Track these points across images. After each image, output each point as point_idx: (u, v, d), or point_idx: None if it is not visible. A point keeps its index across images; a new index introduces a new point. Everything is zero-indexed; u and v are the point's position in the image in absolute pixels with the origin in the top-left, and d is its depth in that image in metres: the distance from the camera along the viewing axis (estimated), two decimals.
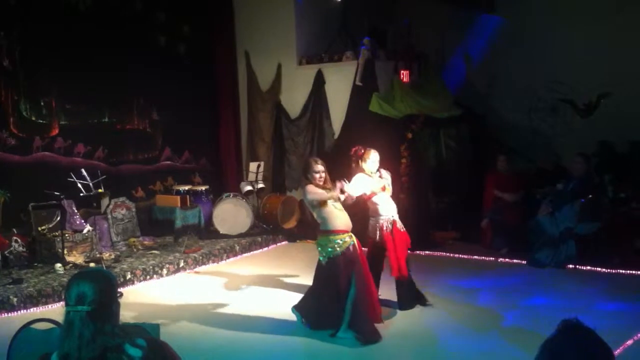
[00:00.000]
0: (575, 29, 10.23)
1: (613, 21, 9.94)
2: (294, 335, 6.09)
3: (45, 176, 9.04)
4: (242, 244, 9.80)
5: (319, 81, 11.29)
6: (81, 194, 8.81)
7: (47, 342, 3.64)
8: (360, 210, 6.98)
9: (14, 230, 8.40)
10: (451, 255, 9.25)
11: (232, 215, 10.14)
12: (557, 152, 10.49)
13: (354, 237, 6.12)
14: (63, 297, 7.10)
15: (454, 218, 10.35)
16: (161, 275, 8.39)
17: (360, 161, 6.72)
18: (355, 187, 6.47)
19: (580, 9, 10.21)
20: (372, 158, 6.71)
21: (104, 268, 7.46)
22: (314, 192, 6.07)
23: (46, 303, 7.11)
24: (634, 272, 7.94)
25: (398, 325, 6.38)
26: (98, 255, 8.47)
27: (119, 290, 2.57)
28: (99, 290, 2.42)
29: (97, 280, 2.47)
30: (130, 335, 2.41)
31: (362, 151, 6.74)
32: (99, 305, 2.39)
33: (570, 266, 8.29)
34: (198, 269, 8.86)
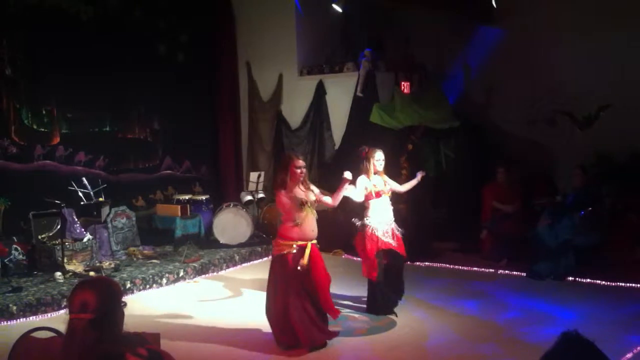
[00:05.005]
0: (574, 41, 10.26)
1: (613, 32, 9.96)
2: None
3: (46, 184, 9.06)
4: (241, 253, 9.79)
5: (320, 92, 11.34)
6: (82, 203, 8.86)
7: (46, 351, 3.64)
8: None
9: (14, 238, 8.42)
10: (450, 266, 9.24)
11: (232, 224, 10.14)
12: (555, 163, 10.50)
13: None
14: (64, 305, 7.10)
15: (453, 229, 10.35)
16: (161, 285, 8.38)
17: (365, 161, 6.84)
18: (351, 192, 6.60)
19: (579, 20, 10.24)
20: (377, 157, 6.84)
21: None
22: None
23: (45, 312, 7.11)
24: (633, 284, 7.93)
25: (397, 336, 6.37)
26: (98, 264, 8.48)
27: (123, 300, 2.56)
28: (102, 299, 2.42)
29: (101, 288, 2.48)
30: (132, 344, 2.41)
31: (367, 150, 6.89)
32: (102, 313, 2.40)
33: (570, 278, 8.28)
34: (198, 278, 8.85)
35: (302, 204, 5.93)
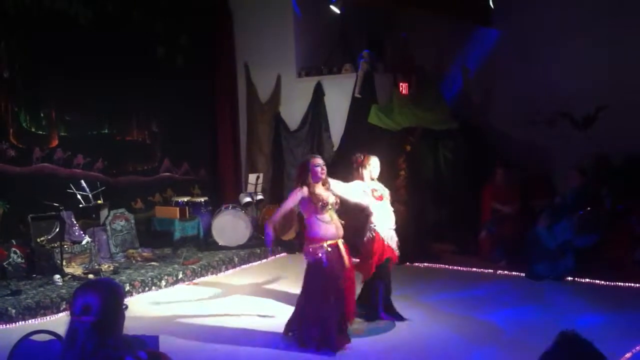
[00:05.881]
0: (571, 41, 10.27)
1: (610, 33, 9.98)
2: (292, 348, 6.07)
3: (45, 187, 9.05)
4: (240, 255, 9.79)
5: (318, 93, 11.33)
6: (80, 205, 8.86)
7: (46, 354, 3.64)
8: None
9: (13, 241, 8.40)
10: (449, 267, 9.25)
11: (231, 226, 10.14)
12: (555, 164, 10.50)
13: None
14: (63, 308, 7.06)
15: (452, 230, 10.35)
16: (160, 287, 8.37)
17: (360, 168, 6.72)
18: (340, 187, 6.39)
19: (577, 21, 10.26)
20: (373, 164, 6.72)
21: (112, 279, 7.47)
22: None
23: (44, 314, 7.09)
24: (632, 284, 7.95)
25: (394, 337, 6.37)
26: (97, 267, 8.47)
27: (124, 302, 2.55)
28: (105, 302, 2.41)
29: (104, 291, 2.46)
30: (132, 348, 2.41)
31: (362, 158, 6.77)
32: (104, 317, 2.39)
33: (569, 279, 8.30)
34: (197, 280, 8.85)
35: (323, 206, 5.91)
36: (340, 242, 6.05)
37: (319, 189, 5.99)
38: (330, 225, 5.98)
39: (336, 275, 5.96)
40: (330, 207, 5.99)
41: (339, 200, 6.12)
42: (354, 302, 6.37)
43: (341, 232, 6.06)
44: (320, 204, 5.91)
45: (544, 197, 9.29)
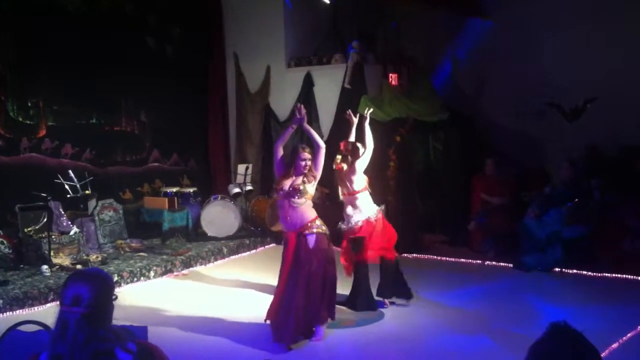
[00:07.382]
0: (563, 33, 10.28)
1: (602, 25, 10.00)
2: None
3: (33, 177, 8.99)
4: (230, 246, 9.78)
5: (308, 83, 11.31)
6: (68, 196, 8.81)
7: (33, 344, 3.62)
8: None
9: (0, 231, 8.34)
10: (438, 258, 9.28)
11: (220, 217, 10.11)
12: (545, 156, 10.53)
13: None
14: (50, 298, 7.00)
15: (441, 221, 10.38)
16: (148, 278, 8.35)
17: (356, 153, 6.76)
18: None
19: (569, 13, 10.27)
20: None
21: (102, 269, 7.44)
22: None
23: (32, 305, 7.05)
24: (619, 275, 8.00)
25: (385, 327, 6.40)
26: (85, 257, 8.43)
27: (114, 293, 2.53)
28: (96, 293, 2.38)
29: (95, 282, 2.43)
30: (122, 339, 2.38)
31: (351, 145, 6.89)
32: (95, 308, 2.36)
33: (557, 269, 8.34)
34: (185, 271, 8.83)
35: (274, 191, 6.06)
36: (289, 235, 5.97)
37: (289, 180, 5.96)
38: (282, 217, 6.02)
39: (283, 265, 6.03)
40: (277, 196, 6.06)
41: (304, 191, 5.96)
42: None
43: (290, 225, 5.94)
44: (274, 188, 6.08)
45: (537, 189, 9.31)
